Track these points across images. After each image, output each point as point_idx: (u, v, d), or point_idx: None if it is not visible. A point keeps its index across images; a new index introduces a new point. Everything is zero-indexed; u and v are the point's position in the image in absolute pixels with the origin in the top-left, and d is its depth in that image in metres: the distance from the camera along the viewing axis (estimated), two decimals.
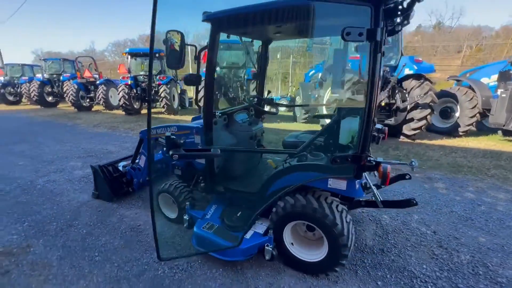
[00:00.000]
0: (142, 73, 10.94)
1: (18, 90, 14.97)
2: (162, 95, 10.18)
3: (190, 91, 13.99)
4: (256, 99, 3.25)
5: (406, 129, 6.54)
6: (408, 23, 2.25)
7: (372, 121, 1.79)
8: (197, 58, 2.32)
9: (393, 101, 6.50)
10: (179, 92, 11.60)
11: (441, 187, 4.01)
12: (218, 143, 2.57)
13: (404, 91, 6.54)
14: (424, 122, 6.23)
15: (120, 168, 3.57)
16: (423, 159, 5.25)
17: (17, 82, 15.04)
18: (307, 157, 2.19)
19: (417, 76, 6.32)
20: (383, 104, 6.41)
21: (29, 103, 14.83)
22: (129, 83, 10.28)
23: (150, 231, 2.86)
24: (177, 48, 2.06)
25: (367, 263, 2.40)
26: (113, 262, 2.40)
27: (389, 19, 1.67)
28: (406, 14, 1.97)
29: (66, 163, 5.09)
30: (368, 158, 1.93)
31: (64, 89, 12.86)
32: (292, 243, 2.30)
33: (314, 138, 2.18)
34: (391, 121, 6.69)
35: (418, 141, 6.69)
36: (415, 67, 6.19)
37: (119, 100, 10.33)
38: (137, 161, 3.41)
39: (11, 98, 15.51)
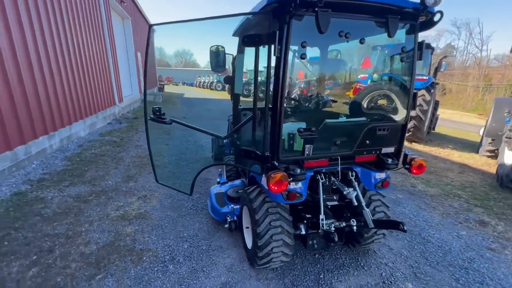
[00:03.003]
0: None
1: None
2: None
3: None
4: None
5: None
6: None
7: (278, 124, 1.77)
8: (232, 64, 3.09)
9: None
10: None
11: None
12: (245, 131, 3.25)
13: None
14: None
15: (225, 141, 5.13)
16: None
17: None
18: None
19: None
20: None
21: None
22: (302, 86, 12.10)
23: (212, 183, 4.14)
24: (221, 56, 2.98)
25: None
26: (176, 190, 3.93)
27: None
28: None
29: None
30: (277, 164, 1.85)
31: None
32: (247, 227, 2.58)
33: (239, 127, 2.29)
34: None
35: None
36: None
37: None
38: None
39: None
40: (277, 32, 1.62)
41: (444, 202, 3.81)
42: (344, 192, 2.00)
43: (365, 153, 2.13)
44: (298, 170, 1.89)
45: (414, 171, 2.10)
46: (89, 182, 3.99)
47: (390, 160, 2.11)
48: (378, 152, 2.15)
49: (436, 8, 1.78)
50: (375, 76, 8.56)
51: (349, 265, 2.46)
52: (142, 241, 2.69)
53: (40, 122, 4.81)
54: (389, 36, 1.83)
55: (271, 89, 1.78)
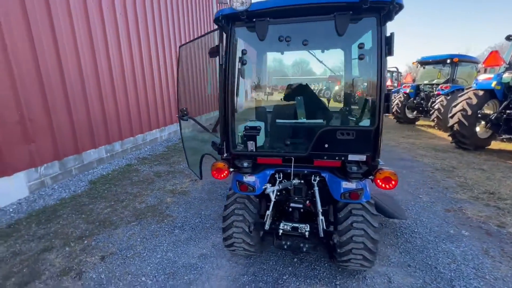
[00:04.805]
0: (426, 82, 10.15)
1: None
2: (436, 106, 8.95)
3: None
4: None
5: None
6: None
7: (228, 122, 2.05)
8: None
9: None
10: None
11: None
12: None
13: None
14: None
15: None
16: None
17: None
18: None
19: None
20: None
21: None
22: (408, 91, 10.29)
23: None
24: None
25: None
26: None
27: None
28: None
29: None
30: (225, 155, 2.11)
31: None
32: None
33: (216, 124, 2.52)
34: None
35: None
36: None
37: (392, 108, 10.84)
38: None
39: None
40: (220, 44, 1.93)
41: None
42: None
43: (325, 157, 1.98)
44: (245, 164, 2.07)
45: (380, 184, 1.76)
46: (169, 164, 5.37)
47: (354, 168, 1.87)
48: (343, 158, 1.95)
49: None
50: (508, 76, 6.17)
51: (322, 278, 2.29)
52: (171, 209, 3.52)
53: (155, 120, 6.84)
54: (339, 34, 1.72)
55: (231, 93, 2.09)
